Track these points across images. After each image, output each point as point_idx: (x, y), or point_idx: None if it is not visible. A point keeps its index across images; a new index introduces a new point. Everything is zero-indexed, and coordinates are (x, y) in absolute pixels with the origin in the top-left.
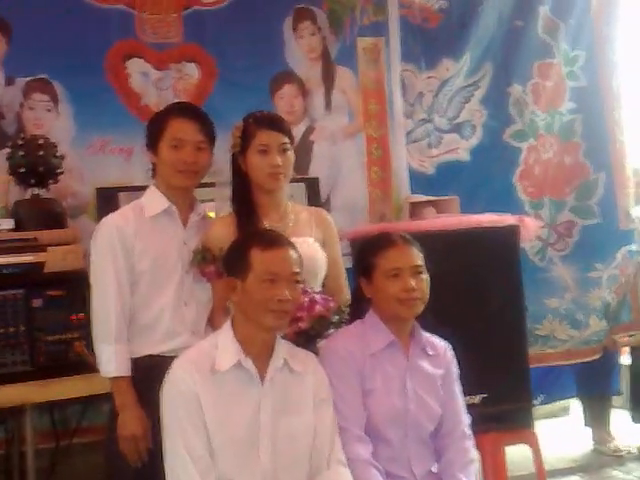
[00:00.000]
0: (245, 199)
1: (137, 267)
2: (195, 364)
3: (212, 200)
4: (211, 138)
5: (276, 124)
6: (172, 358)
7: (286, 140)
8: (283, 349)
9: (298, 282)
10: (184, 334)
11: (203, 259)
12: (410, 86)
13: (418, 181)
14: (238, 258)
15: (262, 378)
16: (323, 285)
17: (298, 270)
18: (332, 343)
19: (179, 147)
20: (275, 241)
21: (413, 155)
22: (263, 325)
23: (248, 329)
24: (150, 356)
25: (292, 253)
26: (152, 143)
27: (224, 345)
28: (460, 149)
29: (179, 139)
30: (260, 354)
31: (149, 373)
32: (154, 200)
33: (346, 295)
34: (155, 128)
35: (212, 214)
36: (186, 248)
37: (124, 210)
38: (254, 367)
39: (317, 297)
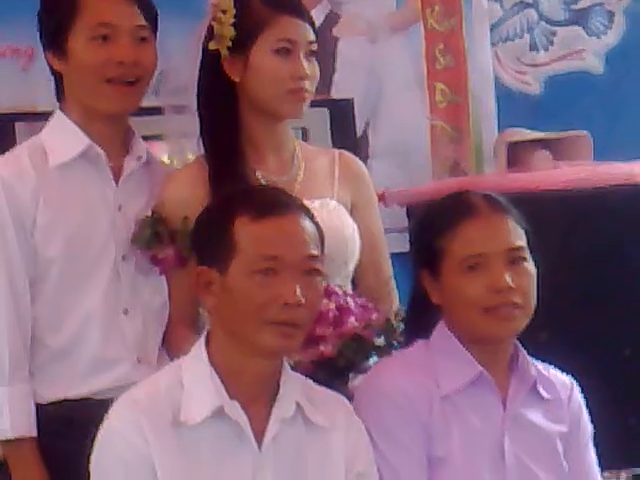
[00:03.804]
0: (229, 134)
1: (41, 254)
2: (147, 413)
3: (159, 138)
4: (154, 25)
5: (302, 9)
6: (105, 403)
7: (314, 37)
8: (294, 387)
9: (317, 274)
10: (124, 361)
11: (154, 237)
12: None
13: (515, 107)
14: (214, 235)
15: (258, 435)
16: (352, 281)
17: (316, 253)
18: (376, 380)
19: (107, 39)
20: (275, 204)
21: (505, 63)
22: (257, 346)
23: (233, 353)
24: (66, 402)
25: (305, 223)
26: (56, 37)
27: (194, 380)
28: (587, 52)
29: (107, 24)
30: (254, 394)
31: (66, 430)
32: (63, 136)
33: (393, 298)
34: (63, 10)
35: (165, 160)
36: (122, 217)
37: (14, 155)
38: (245, 417)
39: (350, 302)
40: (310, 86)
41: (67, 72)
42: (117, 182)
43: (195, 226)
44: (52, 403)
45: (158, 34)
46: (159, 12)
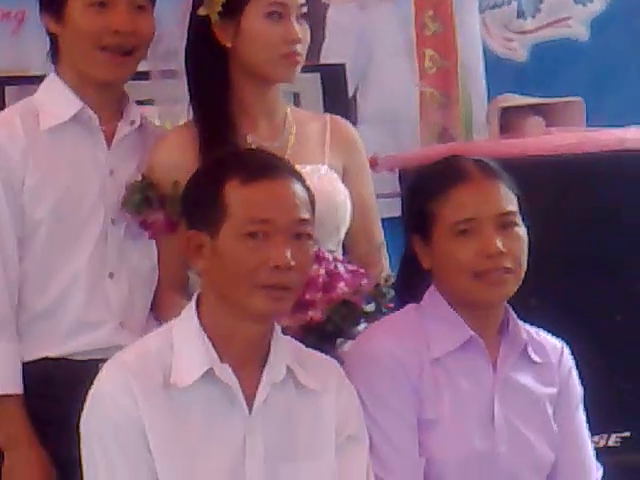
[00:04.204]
0: (219, 98)
1: (29, 214)
2: (137, 375)
3: (149, 102)
4: None
5: None
6: (86, 364)
7: (304, 0)
8: (285, 351)
9: (307, 238)
10: (106, 325)
11: (144, 201)
12: None
13: (502, 73)
14: (205, 199)
15: (249, 399)
16: (343, 247)
17: (307, 216)
18: (367, 344)
19: (105, 5)
20: (266, 168)
21: (492, 30)
22: (247, 310)
23: (224, 317)
24: (48, 360)
25: (296, 187)
26: (53, 1)
27: (185, 343)
28: (573, 20)
29: None
30: (245, 358)
31: (45, 389)
32: (56, 99)
33: (384, 263)
34: None
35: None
36: (113, 181)
37: (5, 116)
38: (235, 380)
39: (340, 268)
40: (302, 49)
41: (63, 36)
42: (109, 146)
43: (185, 190)
44: (33, 362)
45: None
46: None
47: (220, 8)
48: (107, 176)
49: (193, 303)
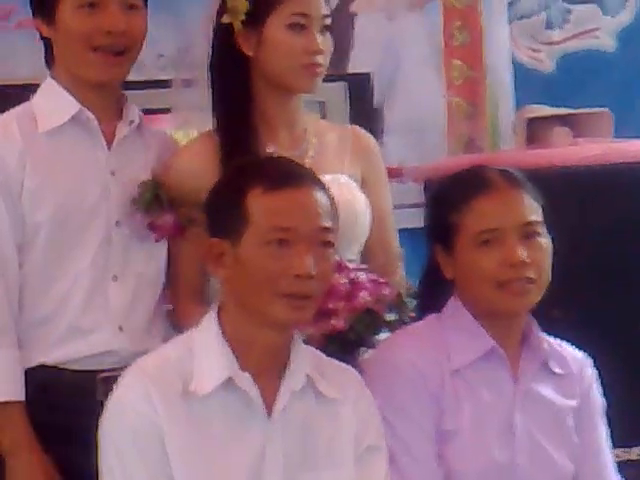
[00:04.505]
0: (241, 107)
1: (29, 219)
2: (156, 383)
3: (167, 111)
4: None
5: None
6: (81, 374)
7: (328, 11)
8: (305, 360)
9: (330, 246)
10: (103, 329)
11: (155, 200)
12: None
13: (529, 84)
14: (227, 207)
15: (269, 407)
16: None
17: (329, 225)
18: (388, 354)
19: (96, 5)
20: (289, 176)
21: (520, 40)
22: (268, 318)
23: (244, 325)
24: (42, 368)
25: (319, 195)
26: (46, 3)
27: (205, 351)
28: (601, 31)
29: None
30: (265, 366)
31: (45, 396)
32: (54, 102)
33: (401, 274)
34: None
35: (178, 135)
36: (115, 182)
37: (3, 120)
38: (256, 388)
39: (362, 277)
40: (324, 60)
41: (56, 39)
42: (110, 147)
43: (208, 198)
44: (30, 369)
45: (177, 9)
46: None
47: (243, 17)
48: (109, 177)
49: (214, 311)
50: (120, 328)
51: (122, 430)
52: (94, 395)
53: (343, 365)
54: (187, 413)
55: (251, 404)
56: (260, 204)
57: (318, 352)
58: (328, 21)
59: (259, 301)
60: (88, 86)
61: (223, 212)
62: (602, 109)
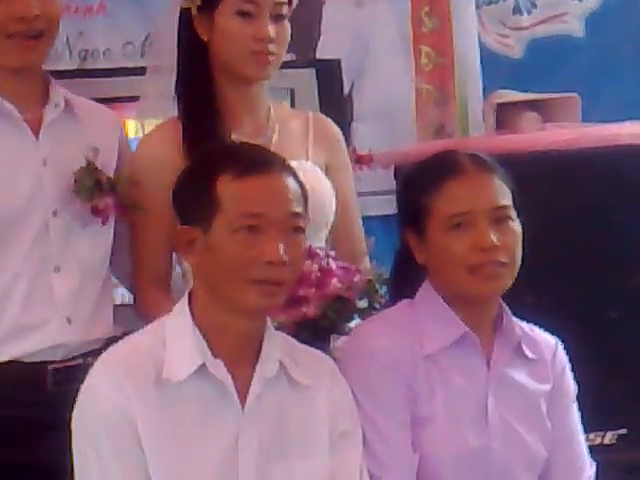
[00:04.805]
0: (202, 93)
1: None
2: (128, 371)
3: (135, 99)
4: None
5: None
6: (35, 365)
7: None
8: (277, 346)
9: (300, 232)
10: (50, 323)
11: (96, 185)
12: None
13: (498, 70)
14: (196, 193)
15: (242, 395)
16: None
17: (300, 210)
18: (361, 340)
19: None
20: (258, 162)
21: (488, 26)
22: (240, 305)
23: (216, 313)
24: None
25: (289, 181)
26: None
27: (177, 339)
28: (569, 16)
29: None
30: (238, 354)
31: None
32: None
33: (366, 259)
34: None
35: (132, 124)
36: (48, 172)
37: None
38: (228, 376)
39: (332, 264)
40: (276, 49)
41: None
42: (38, 134)
43: (176, 185)
44: None
45: None
46: None
47: (199, 2)
48: (41, 167)
49: (185, 298)
50: (68, 320)
51: (95, 419)
52: (45, 387)
53: (316, 352)
54: (160, 401)
55: (224, 392)
56: (230, 190)
57: (291, 339)
58: (283, 9)
59: (230, 288)
60: (7, 73)
61: (193, 199)
62: (570, 94)
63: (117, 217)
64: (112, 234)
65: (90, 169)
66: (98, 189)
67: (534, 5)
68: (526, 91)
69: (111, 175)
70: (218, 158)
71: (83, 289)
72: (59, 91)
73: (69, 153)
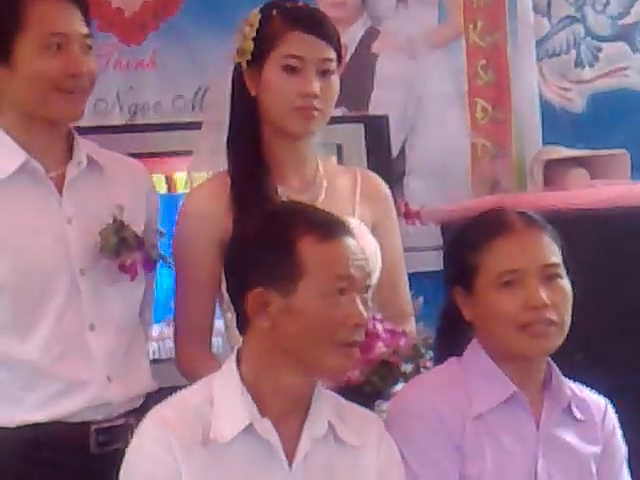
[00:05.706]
0: (250, 147)
1: None
2: (176, 431)
3: (189, 153)
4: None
5: (319, 25)
6: (77, 426)
7: (331, 55)
8: (325, 405)
9: (368, 291)
10: (92, 382)
11: (121, 243)
12: None
13: (557, 124)
14: (273, 256)
15: (289, 454)
16: None
17: (369, 270)
18: (409, 399)
19: (60, 46)
20: (336, 224)
21: (549, 79)
22: (322, 367)
23: (272, 372)
24: (35, 425)
25: (354, 244)
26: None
27: (225, 399)
28: (630, 69)
29: (62, 34)
30: (286, 413)
31: (33, 453)
32: None
33: (412, 321)
34: (5, 18)
35: (182, 178)
36: (74, 230)
37: None
38: (276, 435)
39: (378, 327)
40: (321, 104)
41: (5, 80)
42: (61, 192)
43: (241, 248)
44: (19, 427)
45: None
46: (198, 28)
47: (249, 57)
48: (66, 225)
49: (233, 357)
50: (108, 378)
51: (141, 475)
52: (88, 448)
53: (364, 410)
54: (207, 461)
55: (272, 451)
56: (316, 253)
57: (339, 397)
58: (330, 65)
59: (315, 350)
60: (40, 127)
61: (267, 262)
62: (619, 150)
63: (147, 271)
64: (143, 287)
65: (116, 226)
66: (125, 246)
67: (596, 58)
68: (588, 146)
69: (139, 229)
70: (293, 220)
71: (119, 345)
72: (82, 148)
73: (94, 210)
